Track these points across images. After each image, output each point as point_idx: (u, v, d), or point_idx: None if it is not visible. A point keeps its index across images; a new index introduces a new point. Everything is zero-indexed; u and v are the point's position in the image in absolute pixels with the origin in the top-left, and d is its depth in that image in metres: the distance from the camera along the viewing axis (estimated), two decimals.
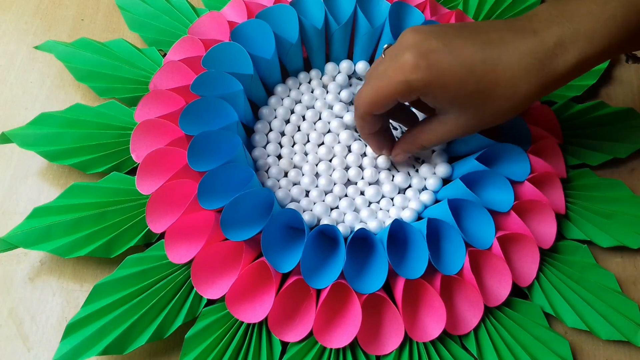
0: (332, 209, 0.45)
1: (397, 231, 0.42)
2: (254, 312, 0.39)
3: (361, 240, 0.42)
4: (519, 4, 0.53)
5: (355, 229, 0.43)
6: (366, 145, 0.47)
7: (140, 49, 0.49)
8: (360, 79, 0.51)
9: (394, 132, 0.47)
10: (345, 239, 0.42)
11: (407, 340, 0.39)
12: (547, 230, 0.43)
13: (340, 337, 0.39)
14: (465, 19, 0.51)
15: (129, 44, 0.49)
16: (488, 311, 0.41)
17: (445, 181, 0.46)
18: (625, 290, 0.44)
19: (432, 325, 0.39)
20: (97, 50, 0.48)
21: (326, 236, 0.42)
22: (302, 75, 0.50)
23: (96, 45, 0.48)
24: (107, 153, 0.44)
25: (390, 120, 0.46)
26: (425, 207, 0.45)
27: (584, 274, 0.43)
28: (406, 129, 0.46)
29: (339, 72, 0.50)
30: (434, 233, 0.42)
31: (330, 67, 0.50)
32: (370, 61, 0.51)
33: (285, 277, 0.41)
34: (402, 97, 0.37)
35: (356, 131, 0.48)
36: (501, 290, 0.41)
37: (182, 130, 0.42)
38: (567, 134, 0.48)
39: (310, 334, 0.39)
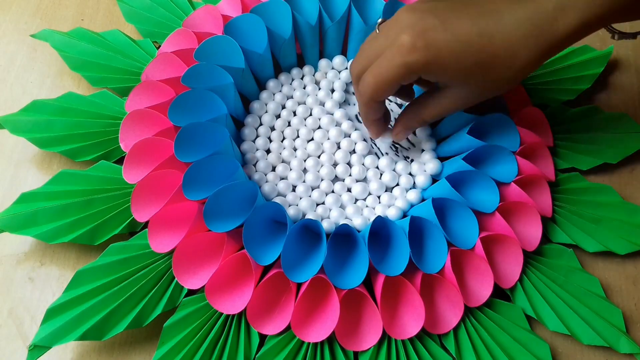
0: (318, 205, 0.45)
1: (380, 228, 0.42)
2: (233, 303, 0.39)
3: (343, 236, 0.42)
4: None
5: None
6: (355, 143, 0.47)
7: (135, 40, 0.49)
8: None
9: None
10: (329, 234, 0.42)
11: (386, 337, 0.39)
12: (532, 232, 0.43)
13: (318, 331, 0.39)
14: None
15: (124, 35, 0.49)
16: (469, 311, 0.41)
17: (436, 180, 0.46)
18: (609, 296, 0.43)
19: (411, 323, 0.39)
20: (92, 40, 0.49)
21: (309, 231, 0.43)
22: (295, 71, 0.50)
23: (91, 35, 0.49)
24: (97, 142, 0.45)
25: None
26: (412, 205, 0.45)
27: (568, 278, 0.42)
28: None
29: (332, 68, 0.51)
30: (418, 231, 0.42)
31: (323, 63, 0.50)
32: None
33: (267, 270, 0.41)
34: (404, 79, 0.38)
35: (358, 119, 0.48)
36: (482, 290, 0.41)
37: (170, 121, 0.43)
38: (559, 138, 0.48)
39: (289, 327, 0.39)
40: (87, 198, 0.42)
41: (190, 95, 0.43)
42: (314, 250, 0.41)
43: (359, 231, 0.43)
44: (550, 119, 0.48)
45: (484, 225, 0.43)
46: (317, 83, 0.50)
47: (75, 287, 0.39)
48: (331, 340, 0.39)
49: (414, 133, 0.48)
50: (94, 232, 0.41)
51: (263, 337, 0.39)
